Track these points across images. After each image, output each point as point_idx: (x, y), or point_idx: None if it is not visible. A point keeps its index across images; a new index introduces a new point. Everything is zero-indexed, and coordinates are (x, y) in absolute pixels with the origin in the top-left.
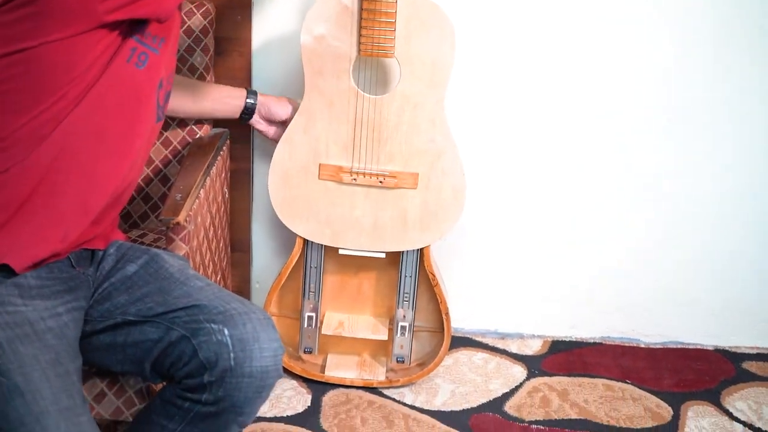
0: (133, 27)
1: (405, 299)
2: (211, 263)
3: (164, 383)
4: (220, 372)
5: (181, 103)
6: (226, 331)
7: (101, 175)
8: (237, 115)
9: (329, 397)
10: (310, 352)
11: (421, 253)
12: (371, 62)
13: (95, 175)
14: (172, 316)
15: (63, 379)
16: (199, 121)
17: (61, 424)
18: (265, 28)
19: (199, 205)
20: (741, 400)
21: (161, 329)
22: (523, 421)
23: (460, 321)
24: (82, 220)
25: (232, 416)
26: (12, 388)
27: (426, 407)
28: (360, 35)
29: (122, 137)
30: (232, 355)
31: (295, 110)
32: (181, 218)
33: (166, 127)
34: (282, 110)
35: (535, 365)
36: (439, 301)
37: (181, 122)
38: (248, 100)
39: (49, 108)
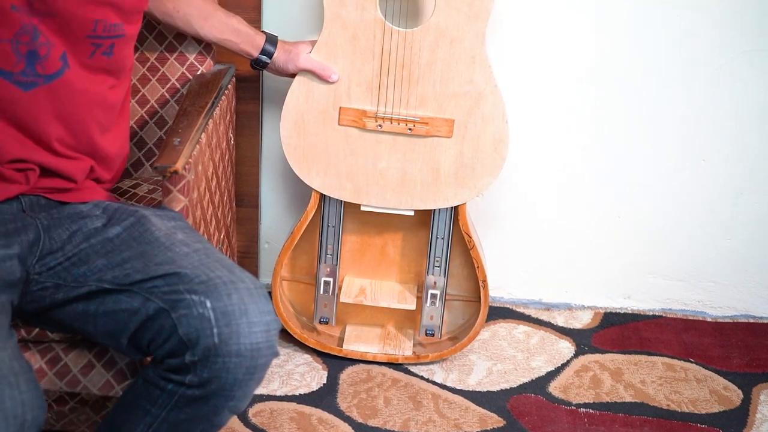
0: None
1: (436, 264)
2: (213, 219)
3: (148, 359)
4: (202, 350)
5: (185, 24)
6: (208, 303)
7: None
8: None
9: (348, 374)
10: (327, 323)
11: (455, 211)
12: None
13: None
14: (150, 285)
15: None
16: (201, 54)
17: None
18: None
19: (200, 152)
20: None
21: (138, 300)
22: (570, 404)
23: (499, 289)
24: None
25: (221, 401)
26: None
27: (458, 387)
28: None
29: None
30: (215, 330)
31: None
32: (179, 166)
33: (162, 62)
34: (300, 65)
35: (584, 340)
36: (476, 266)
37: (180, 56)
38: (261, 56)
39: None
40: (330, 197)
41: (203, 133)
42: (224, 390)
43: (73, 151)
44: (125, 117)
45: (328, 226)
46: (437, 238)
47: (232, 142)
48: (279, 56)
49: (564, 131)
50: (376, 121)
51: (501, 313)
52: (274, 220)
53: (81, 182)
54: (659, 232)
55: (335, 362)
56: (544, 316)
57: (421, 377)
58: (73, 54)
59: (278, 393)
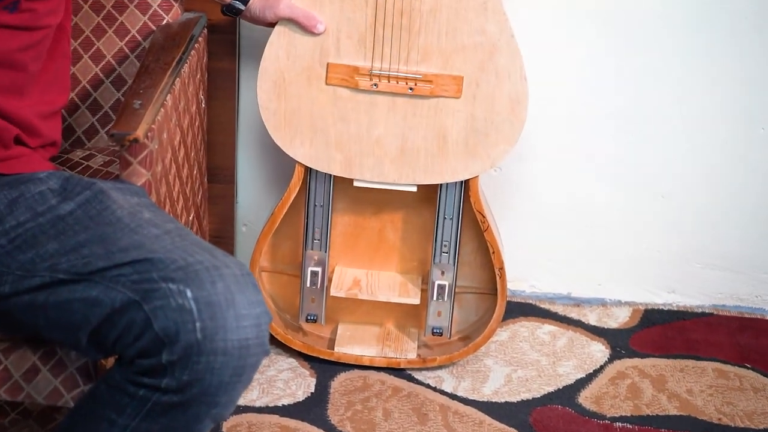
0: None
1: (444, 250)
2: (181, 196)
3: (107, 360)
4: (182, 348)
5: None
6: (188, 293)
7: None
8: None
9: (340, 382)
10: (315, 321)
11: (465, 186)
12: None
13: None
14: (115, 273)
15: None
16: (167, 0)
17: None
18: None
19: (166, 117)
20: None
21: (97, 289)
22: (603, 417)
23: (520, 281)
24: None
25: (203, 408)
26: None
27: (471, 397)
28: None
29: None
30: (198, 324)
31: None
32: (140, 133)
33: (120, 10)
34: (280, 13)
35: (621, 342)
36: (491, 251)
37: (142, 3)
38: (235, 2)
39: None
40: (317, 171)
41: (169, 95)
42: (207, 395)
43: None
44: (60, 82)
45: (315, 205)
46: (445, 218)
47: (203, 105)
48: (255, 2)
49: (596, 91)
50: (371, 80)
51: (522, 309)
52: (253, 199)
53: (2, 148)
54: (709, 214)
55: (325, 368)
56: (573, 314)
57: (427, 385)
58: None
59: (258, 404)
